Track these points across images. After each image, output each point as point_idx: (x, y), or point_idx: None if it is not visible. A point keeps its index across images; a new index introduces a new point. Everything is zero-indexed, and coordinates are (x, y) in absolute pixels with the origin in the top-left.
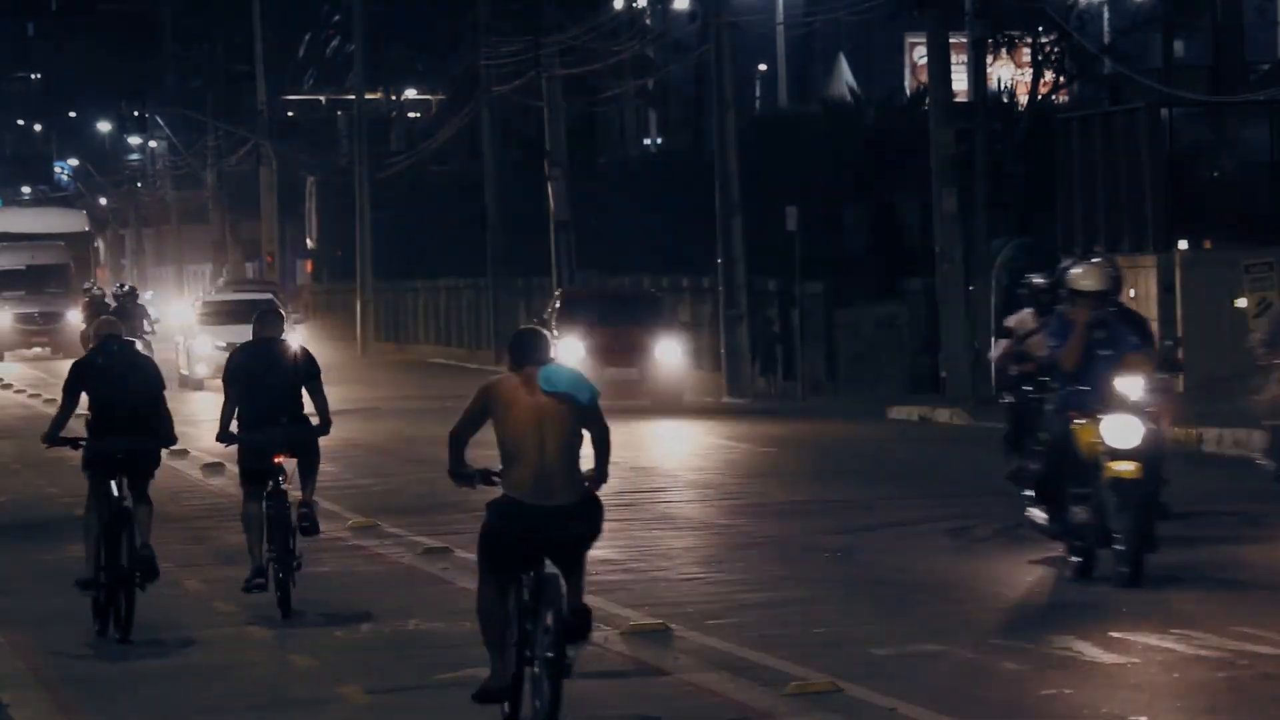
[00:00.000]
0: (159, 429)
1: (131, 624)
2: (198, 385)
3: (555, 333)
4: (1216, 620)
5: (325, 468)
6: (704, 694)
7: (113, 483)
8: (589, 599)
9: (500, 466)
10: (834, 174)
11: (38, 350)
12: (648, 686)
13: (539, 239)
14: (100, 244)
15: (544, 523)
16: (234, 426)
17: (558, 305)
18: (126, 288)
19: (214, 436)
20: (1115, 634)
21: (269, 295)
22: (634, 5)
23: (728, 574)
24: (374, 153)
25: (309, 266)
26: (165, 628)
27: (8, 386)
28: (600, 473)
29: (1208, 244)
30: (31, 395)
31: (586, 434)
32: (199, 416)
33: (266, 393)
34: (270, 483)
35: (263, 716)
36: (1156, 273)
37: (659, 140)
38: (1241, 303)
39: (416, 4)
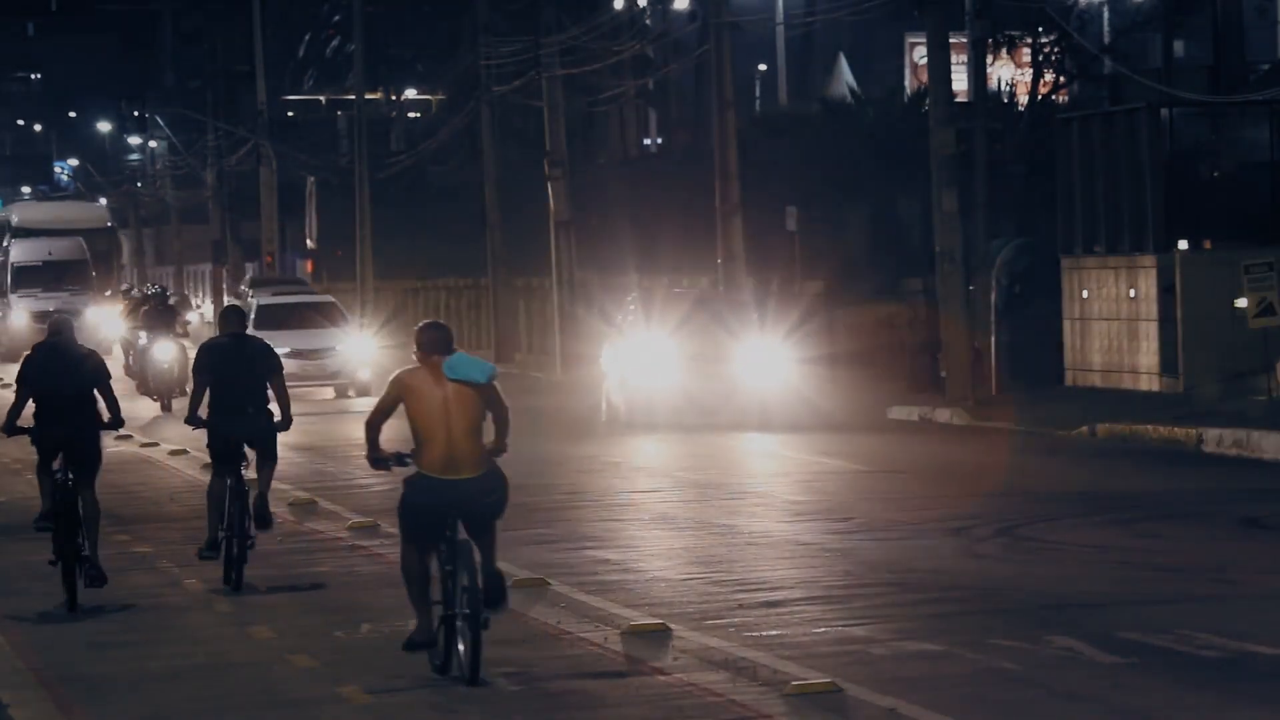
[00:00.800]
0: (97, 417)
1: (77, 592)
2: None
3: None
4: (1216, 620)
5: (326, 467)
6: (704, 694)
7: (54, 467)
8: (588, 598)
9: (412, 448)
10: (834, 174)
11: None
12: (648, 686)
13: (539, 239)
14: (124, 240)
15: (454, 495)
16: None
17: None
18: (156, 288)
19: (183, 420)
20: (1115, 634)
21: (330, 300)
22: (634, 5)
23: (728, 574)
24: (374, 153)
25: (309, 266)
26: (165, 627)
27: (8, 386)
28: (500, 444)
29: (1208, 244)
30: None
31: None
32: None
33: (233, 385)
34: (236, 470)
35: (262, 716)
36: (1156, 273)
37: (659, 140)
38: (1241, 303)
39: (416, 4)
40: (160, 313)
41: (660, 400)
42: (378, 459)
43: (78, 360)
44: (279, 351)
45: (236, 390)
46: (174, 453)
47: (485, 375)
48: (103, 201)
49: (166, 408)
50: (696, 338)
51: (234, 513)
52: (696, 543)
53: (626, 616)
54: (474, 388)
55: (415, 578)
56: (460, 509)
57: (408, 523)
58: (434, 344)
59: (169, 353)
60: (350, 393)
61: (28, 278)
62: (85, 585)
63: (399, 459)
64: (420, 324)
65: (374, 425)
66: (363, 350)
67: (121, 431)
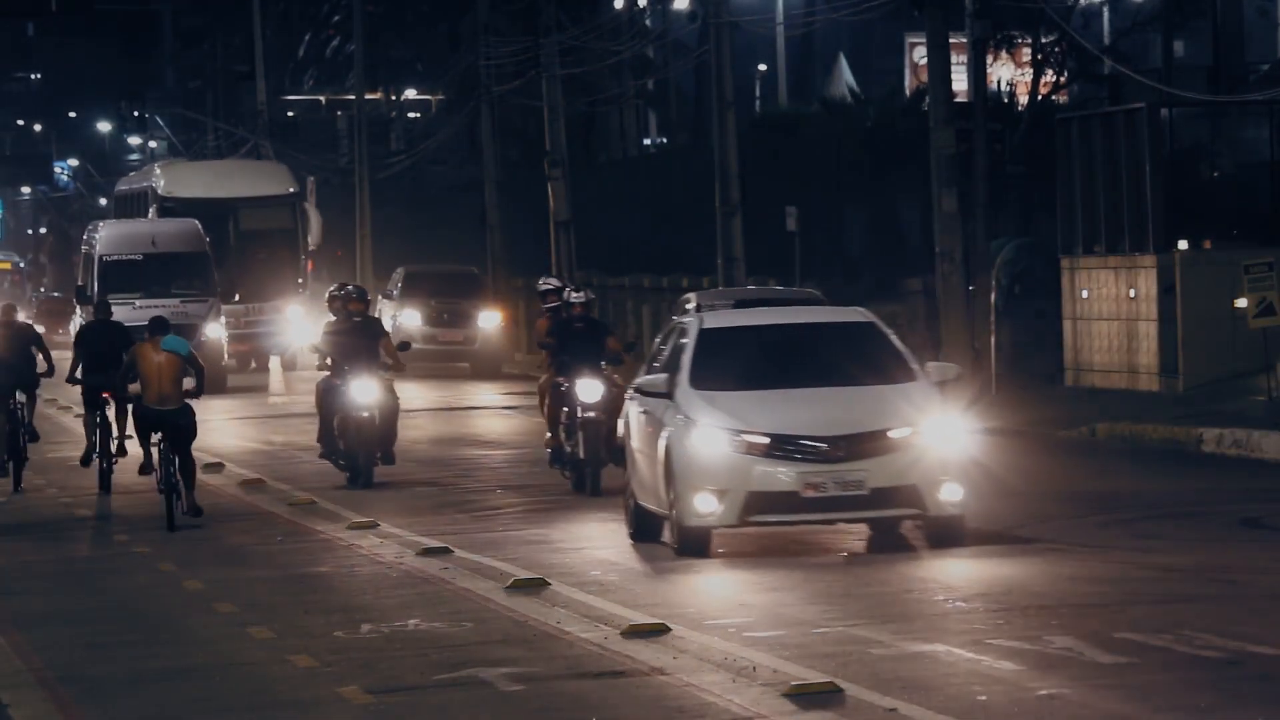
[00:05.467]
0: (33, 369)
1: (21, 477)
2: (697, 546)
3: None
4: (1216, 620)
5: (326, 468)
6: (704, 694)
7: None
8: (588, 598)
9: (141, 390)
10: (834, 174)
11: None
12: (648, 686)
13: (539, 239)
14: (312, 213)
15: (159, 418)
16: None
17: None
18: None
19: (65, 379)
20: (1115, 634)
21: (862, 318)
22: (634, 5)
23: (728, 574)
24: (374, 153)
25: (309, 266)
26: (166, 627)
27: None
28: (199, 389)
29: (1208, 244)
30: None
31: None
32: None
33: (100, 352)
34: (101, 409)
35: (263, 716)
36: (1156, 273)
37: (659, 140)
38: (1241, 303)
39: (416, 4)
40: (369, 329)
41: None
42: (125, 396)
43: (19, 331)
44: (731, 432)
45: (101, 356)
46: None
47: (185, 349)
48: (103, 202)
49: (366, 481)
50: None
51: (104, 441)
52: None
53: (626, 616)
54: (179, 356)
55: (96, 436)
56: (163, 427)
57: (135, 426)
58: (158, 329)
59: (370, 394)
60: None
61: (122, 278)
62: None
63: (134, 396)
64: (152, 316)
65: (124, 377)
66: (953, 436)
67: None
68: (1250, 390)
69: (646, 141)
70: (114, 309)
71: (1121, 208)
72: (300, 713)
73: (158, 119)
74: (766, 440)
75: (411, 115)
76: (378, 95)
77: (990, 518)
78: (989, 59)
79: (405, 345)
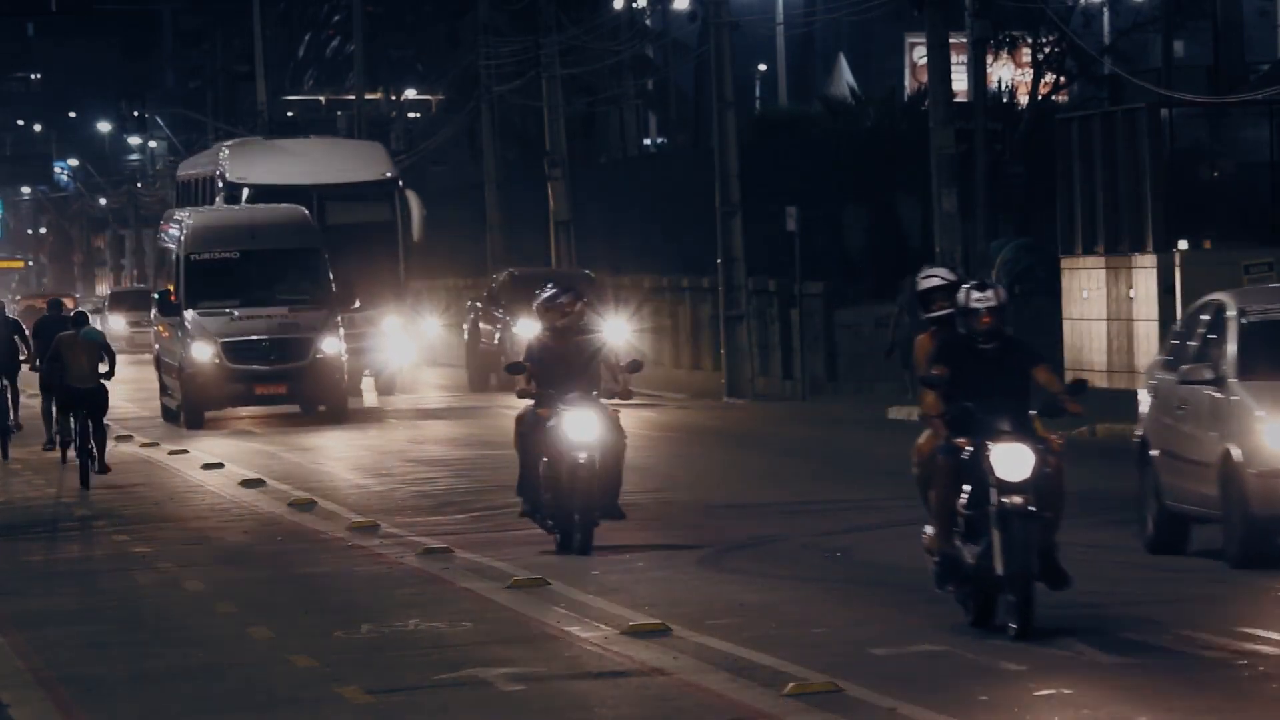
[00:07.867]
0: (17, 357)
1: (6, 448)
2: None
3: None
4: (1217, 620)
5: (325, 468)
6: (704, 694)
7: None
8: (588, 598)
9: (65, 372)
10: (834, 174)
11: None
12: (648, 686)
13: (539, 239)
14: (413, 202)
15: (77, 394)
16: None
17: None
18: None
19: (29, 367)
20: (1115, 634)
21: None
22: (634, 5)
23: (728, 574)
24: None
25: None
26: (165, 628)
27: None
28: (110, 372)
29: (1207, 244)
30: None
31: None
32: None
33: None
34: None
35: (263, 716)
36: (1156, 273)
37: (659, 140)
38: None
39: (416, 4)
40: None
41: None
42: (51, 376)
43: (5, 324)
44: None
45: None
46: (174, 453)
47: (101, 339)
48: (103, 202)
49: (583, 546)
50: None
51: (61, 421)
52: (696, 543)
53: (626, 616)
54: (95, 343)
55: (53, 421)
56: (82, 402)
57: (55, 401)
58: (79, 322)
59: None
60: None
61: (213, 281)
62: (9, 442)
63: (58, 376)
64: (75, 311)
65: (53, 361)
66: None
67: (122, 431)
68: None
69: (646, 141)
70: (205, 319)
71: (1121, 208)
72: (300, 713)
73: (158, 119)
74: None
75: (411, 115)
76: (378, 95)
77: None
78: (989, 59)
79: (636, 365)
